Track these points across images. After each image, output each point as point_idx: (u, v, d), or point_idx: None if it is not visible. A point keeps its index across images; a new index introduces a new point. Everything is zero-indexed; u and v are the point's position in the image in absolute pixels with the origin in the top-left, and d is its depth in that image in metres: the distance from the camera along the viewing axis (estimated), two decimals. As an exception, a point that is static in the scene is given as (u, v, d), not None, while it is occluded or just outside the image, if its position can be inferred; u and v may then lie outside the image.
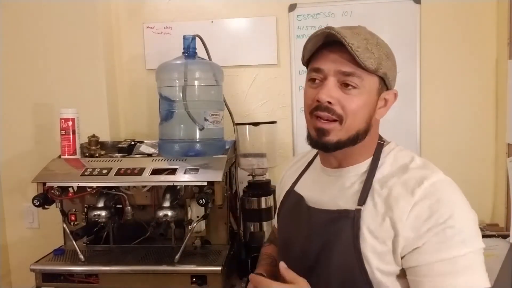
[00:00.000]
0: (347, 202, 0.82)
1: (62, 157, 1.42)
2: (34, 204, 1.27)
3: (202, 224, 1.36)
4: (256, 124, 1.48)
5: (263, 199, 1.40)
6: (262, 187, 1.44)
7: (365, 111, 0.80)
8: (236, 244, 1.47)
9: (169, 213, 1.30)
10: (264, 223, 1.40)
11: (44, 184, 1.30)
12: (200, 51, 1.47)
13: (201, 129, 1.38)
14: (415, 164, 0.81)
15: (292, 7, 1.67)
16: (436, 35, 1.62)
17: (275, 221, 1.12)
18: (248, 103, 1.74)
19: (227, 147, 1.46)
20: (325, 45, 0.80)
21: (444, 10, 1.61)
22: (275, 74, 1.72)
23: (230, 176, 1.49)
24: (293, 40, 1.68)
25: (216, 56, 1.54)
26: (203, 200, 1.24)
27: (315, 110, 0.80)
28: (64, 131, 1.42)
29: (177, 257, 1.26)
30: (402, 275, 0.77)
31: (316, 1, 1.66)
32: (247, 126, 1.49)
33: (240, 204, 1.51)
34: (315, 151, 0.98)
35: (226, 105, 1.54)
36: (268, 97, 1.73)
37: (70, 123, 1.42)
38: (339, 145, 0.80)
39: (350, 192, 0.83)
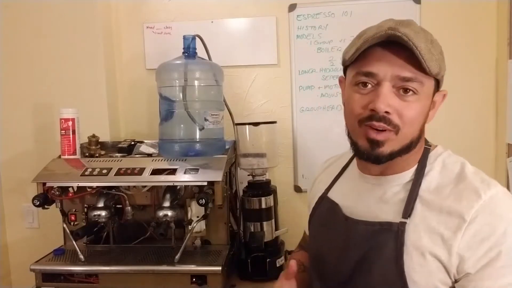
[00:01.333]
0: (390, 214, 0.74)
1: (62, 157, 1.42)
2: (34, 204, 1.27)
3: (202, 224, 1.36)
4: (256, 124, 1.48)
5: (263, 199, 1.40)
6: (262, 187, 1.44)
7: (422, 118, 0.73)
8: (236, 244, 1.47)
9: (169, 213, 1.30)
10: (264, 223, 1.40)
11: (44, 184, 1.30)
12: (200, 51, 1.47)
13: (201, 129, 1.38)
14: (469, 173, 0.73)
15: (292, 7, 1.67)
16: (436, 35, 1.61)
17: (306, 227, 1.06)
18: (248, 103, 1.74)
19: (227, 147, 1.46)
20: (376, 44, 0.70)
21: (444, 10, 1.61)
22: (275, 74, 1.72)
23: (230, 176, 1.49)
24: (293, 40, 1.68)
25: (216, 56, 1.54)
26: (203, 200, 1.24)
27: (368, 120, 0.71)
28: (64, 131, 1.42)
29: (177, 257, 1.26)
30: None
31: (316, 1, 1.66)
32: (247, 126, 1.48)
33: (240, 204, 1.51)
34: (349, 154, 0.91)
35: (226, 105, 1.54)
36: (268, 97, 1.73)
37: (70, 123, 1.41)
38: (392, 157, 0.73)
39: (393, 202, 0.76)
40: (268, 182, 1.48)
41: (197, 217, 1.33)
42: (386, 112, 0.69)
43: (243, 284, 1.36)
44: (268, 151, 1.49)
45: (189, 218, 1.36)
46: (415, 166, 0.77)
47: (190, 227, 1.33)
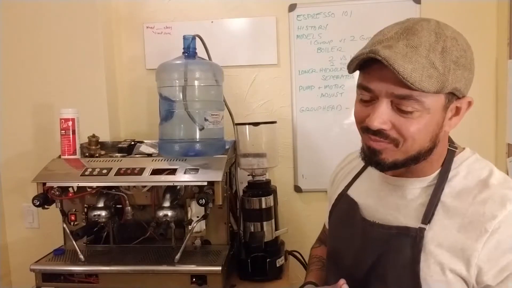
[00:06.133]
0: (409, 218, 0.73)
1: (62, 157, 1.42)
2: (34, 204, 1.27)
3: (202, 224, 1.36)
4: (256, 124, 1.48)
5: (263, 199, 1.40)
6: (262, 187, 1.44)
7: (428, 131, 0.69)
8: (236, 244, 1.47)
9: (169, 213, 1.30)
10: (264, 223, 1.40)
11: (44, 184, 1.30)
12: (200, 51, 1.47)
13: (201, 129, 1.38)
14: (495, 180, 0.71)
15: (292, 7, 1.67)
16: (436, 35, 1.62)
17: (326, 221, 1.06)
18: (248, 103, 1.74)
19: (227, 147, 1.46)
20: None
21: (444, 10, 1.61)
22: (275, 74, 1.72)
23: (230, 176, 1.49)
24: (293, 40, 1.68)
25: (216, 56, 1.54)
26: (203, 200, 1.24)
27: (367, 131, 0.71)
28: (64, 131, 1.42)
29: (177, 257, 1.26)
30: None
31: (316, 1, 1.66)
32: (247, 126, 1.48)
33: (240, 204, 1.51)
34: None
35: (226, 105, 1.54)
36: (268, 97, 1.73)
37: (70, 123, 1.41)
38: (397, 166, 0.72)
39: (413, 206, 0.74)
40: (268, 182, 1.48)
41: (197, 217, 1.33)
42: (382, 128, 0.69)
43: (243, 284, 1.36)
44: (268, 151, 1.49)
45: (189, 218, 1.36)
46: (438, 170, 0.75)
47: (190, 227, 1.33)
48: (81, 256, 1.30)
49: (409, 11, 1.61)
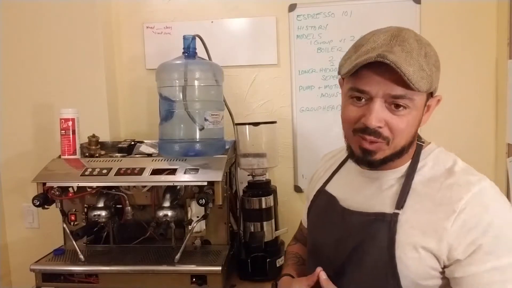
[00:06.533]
0: (384, 205, 0.80)
1: (62, 157, 1.42)
2: (34, 204, 1.27)
3: (202, 224, 1.36)
4: (256, 124, 1.48)
5: (263, 199, 1.40)
6: (262, 187, 1.44)
7: (412, 128, 0.77)
8: (236, 244, 1.47)
9: (169, 213, 1.31)
10: (264, 223, 1.40)
11: (44, 184, 1.30)
12: (200, 51, 1.47)
13: (201, 129, 1.38)
14: (459, 168, 0.78)
15: (292, 7, 1.67)
16: (436, 35, 1.61)
17: (303, 219, 1.11)
18: (248, 103, 1.74)
19: (227, 147, 1.46)
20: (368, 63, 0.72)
21: (444, 10, 1.61)
22: (275, 74, 1.72)
23: (230, 176, 1.49)
24: (293, 40, 1.68)
25: (216, 56, 1.54)
26: (203, 200, 1.24)
27: (361, 131, 0.76)
28: (64, 131, 1.42)
29: (177, 257, 1.26)
30: (443, 283, 0.75)
31: (316, 1, 1.66)
32: (247, 126, 1.49)
33: (240, 204, 1.51)
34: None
35: (226, 105, 1.54)
36: (268, 97, 1.73)
37: (70, 123, 1.42)
38: (385, 162, 0.78)
39: (388, 195, 0.81)
40: (268, 182, 1.48)
41: (197, 217, 1.33)
42: (378, 126, 0.75)
43: (243, 284, 1.37)
44: (268, 151, 1.49)
45: (189, 218, 1.36)
46: (409, 162, 0.82)
47: (190, 227, 1.33)
48: (81, 256, 1.30)
49: (409, 11, 1.61)
